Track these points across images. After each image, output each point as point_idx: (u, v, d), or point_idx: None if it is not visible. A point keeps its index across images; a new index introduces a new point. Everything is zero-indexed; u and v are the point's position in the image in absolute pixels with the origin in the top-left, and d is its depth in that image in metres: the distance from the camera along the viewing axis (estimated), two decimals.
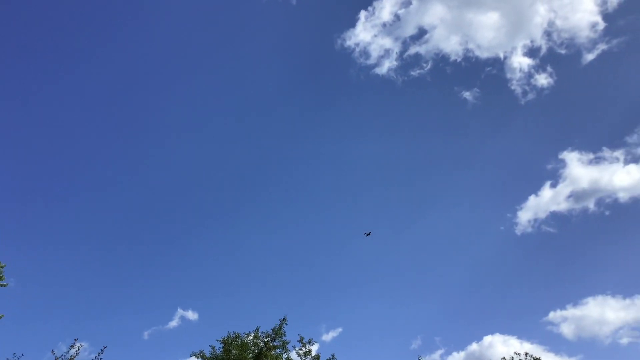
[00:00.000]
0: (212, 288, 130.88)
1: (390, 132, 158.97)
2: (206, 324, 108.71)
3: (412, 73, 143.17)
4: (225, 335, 40.47)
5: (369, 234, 77.54)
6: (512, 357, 42.97)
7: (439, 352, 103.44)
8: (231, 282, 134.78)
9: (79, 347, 34.21)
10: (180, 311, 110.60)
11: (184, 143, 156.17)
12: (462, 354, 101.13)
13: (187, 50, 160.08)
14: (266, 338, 40.53)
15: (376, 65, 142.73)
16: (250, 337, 40.81)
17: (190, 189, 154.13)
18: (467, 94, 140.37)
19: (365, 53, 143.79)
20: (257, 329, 41.11)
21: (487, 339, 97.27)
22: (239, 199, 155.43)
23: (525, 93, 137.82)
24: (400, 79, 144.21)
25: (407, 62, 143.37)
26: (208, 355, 40.03)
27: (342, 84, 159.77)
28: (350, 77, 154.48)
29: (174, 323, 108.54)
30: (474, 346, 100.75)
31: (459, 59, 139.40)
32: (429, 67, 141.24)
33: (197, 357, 40.02)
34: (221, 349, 39.95)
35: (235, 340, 40.16)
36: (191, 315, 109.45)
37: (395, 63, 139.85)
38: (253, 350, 39.94)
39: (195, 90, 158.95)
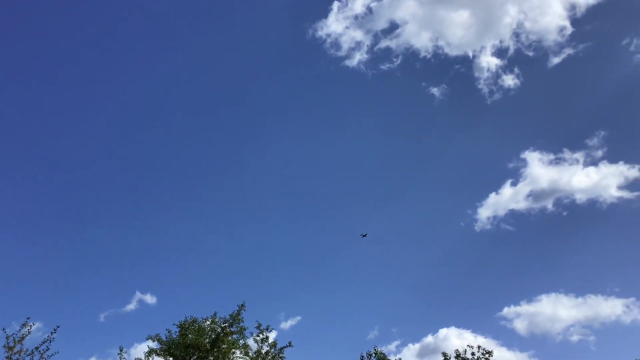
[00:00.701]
0: (172, 273, 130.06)
1: (357, 126, 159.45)
2: (165, 308, 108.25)
3: (382, 67, 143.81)
4: (182, 320, 40.29)
5: (364, 236, 79.27)
6: (465, 349, 43.96)
7: (395, 343, 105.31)
8: (192, 267, 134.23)
9: (30, 326, 33.66)
10: (138, 294, 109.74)
11: (146, 129, 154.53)
12: (417, 345, 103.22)
13: (146, 37, 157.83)
14: (224, 324, 40.32)
15: (347, 57, 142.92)
16: (208, 322, 40.59)
17: (153, 173, 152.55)
18: (434, 90, 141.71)
19: (337, 44, 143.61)
20: (215, 314, 40.85)
21: (443, 331, 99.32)
22: (200, 186, 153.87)
23: (492, 93, 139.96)
24: (370, 72, 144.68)
25: (378, 56, 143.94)
26: (164, 339, 39.79)
27: (312, 74, 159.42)
28: (321, 68, 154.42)
29: (131, 306, 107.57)
30: (429, 338, 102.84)
31: (428, 56, 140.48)
32: (399, 61, 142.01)
33: (153, 341, 39.73)
34: (178, 333, 39.72)
35: (192, 325, 39.92)
36: (150, 299, 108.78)
37: (365, 56, 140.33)
38: (210, 335, 39.79)
39: (155, 80, 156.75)
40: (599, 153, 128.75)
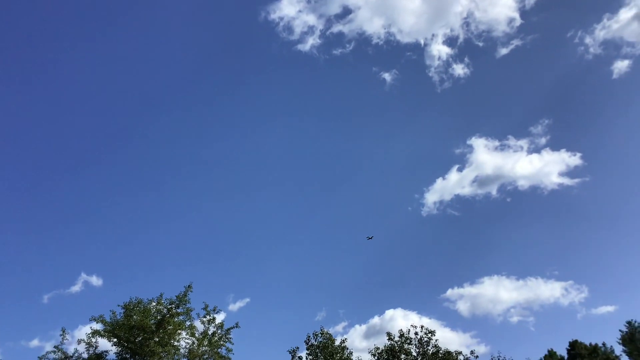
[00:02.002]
0: (119, 254, 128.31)
1: (308, 110, 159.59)
2: (111, 290, 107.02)
3: (335, 52, 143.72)
4: (127, 301, 40.19)
5: (371, 238, 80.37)
6: (409, 329, 45.09)
7: (342, 324, 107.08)
8: (140, 249, 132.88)
9: None
10: (83, 275, 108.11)
11: (87, 113, 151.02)
12: (363, 326, 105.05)
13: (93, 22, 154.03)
14: (170, 305, 40.41)
15: (299, 41, 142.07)
16: (154, 304, 40.58)
17: (99, 155, 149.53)
18: (386, 75, 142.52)
19: (289, 28, 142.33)
20: (161, 295, 40.92)
21: (389, 312, 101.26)
22: (148, 169, 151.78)
23: (442, 81, 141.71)
24: (323, 57, 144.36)
25: (330, 41, 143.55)
26: (108, 320, 39.63)
27: (264, 58, 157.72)
28: (273, 52, 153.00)
29: (76, 288, 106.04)
30: (375, 319, 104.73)
31: (380, 42, 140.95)
32: (351, 47, 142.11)
33: (97, 322, 39.58)
34: (122, 315, 39.64)
35: (138, 306, 39.90)
36: (95, 280, 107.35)
37: (318, 41, 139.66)
38: (155, 317, 39.83)
39: (102, 58, 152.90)
40: (543, 140, 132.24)
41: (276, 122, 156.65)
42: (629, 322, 68.49)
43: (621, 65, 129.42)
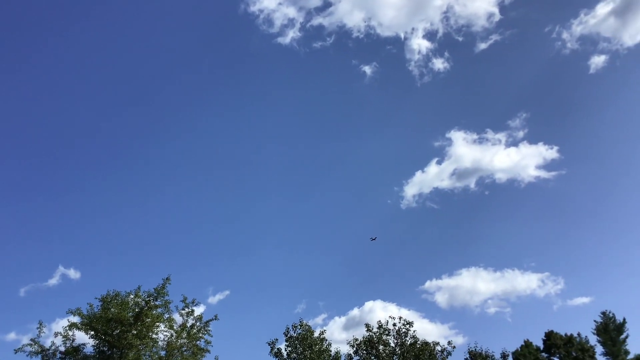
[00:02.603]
0: (96, 247, 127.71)
1: (288, 103, 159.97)
2: (89, 283, 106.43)
3: (315, 45, 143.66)
4: (105, 294, 39.87)
5: (374, 239, 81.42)
6: (387, 321, 45.55)
7: (322, 316, 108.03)
8: (117, 242, 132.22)
9: None
10: (61, 269, 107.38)
11: (69, 99, 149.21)
12: (343, 318, 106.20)
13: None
14: (148, 297, 40.17)
15: (279, 34, 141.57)
16: (132, 296, 40.29)
17: (79, 144, 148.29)
18: (366, 68, 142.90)
19: (269, 21, 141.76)
20: (139, 287, 40.55)
21: (369, 304, 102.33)
22: (126, 159, 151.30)
23: (422, 75, 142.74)
24: (303, 50, 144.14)
25: (310, 34, 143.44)
26: (85, 313, 39.27)
27: (244, 51, 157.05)
28: (253, 44, 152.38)
29: (53, 281, 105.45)
30: (355, 311, 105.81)
31: (361, 35, 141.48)
32: (331, 40, 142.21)
33: (74, 315, 39.18)
34: (100, 307, 39.33)
35: (115, 299, 39.60)
36: (73, 274, 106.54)
37: (298, 34, 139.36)
38: (133, 309, 39.56)
39: (83, 50, 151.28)
40: (520, 134, 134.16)
41: (256, 115, 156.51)
42: (603, 313, 69.86)
43: (598, 61, 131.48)
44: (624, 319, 68.71)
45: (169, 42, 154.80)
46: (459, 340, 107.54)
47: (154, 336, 39.99)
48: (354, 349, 44.86)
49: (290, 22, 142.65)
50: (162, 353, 40.18)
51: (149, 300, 40.01)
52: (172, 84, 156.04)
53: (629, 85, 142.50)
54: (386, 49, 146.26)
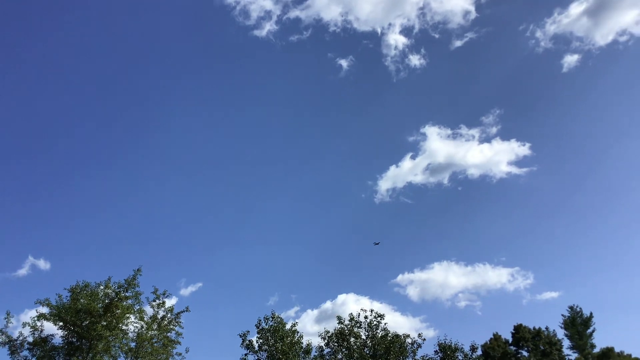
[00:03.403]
0: (67, 238, 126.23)
1: (264, 96, 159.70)
2: (59, 274, 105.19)
3: (292, 38, 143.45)
4: (74, 284, 39.46)
5: (377, 244, 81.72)
6: (359, 313, 45.92)
7: (295, 308, 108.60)
8: (89, 233, 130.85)
9: None
10: (31, 259, 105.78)
11: (35, 93, 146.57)
12: (315, 311, 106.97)
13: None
14: (118, 288, 39.84)
15: (255, 27, 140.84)
16: (102, 287, 39.93)
17: (49, 134, 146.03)
18: (342, 61, 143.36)
19: (245, 12, 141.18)
20: (109, 278, 40.16)
21: (341, 297, 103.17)
22: (99, 149, 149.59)
23: (398, 71, 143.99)
24: (279, 43, 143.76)
25: (287, 27, 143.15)
26: (54, 304, 38.83)
27: (219, 43, 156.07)
28: (228, 37, 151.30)
29: (23, 271, 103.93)
30: (328, 304, 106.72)
31: (337, 30, 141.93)
32: (308, 34, 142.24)
33: (43, 306, 38.68)
34: (69, 298, 38.93)
35: (85, 290, 39.23)
36: (43, 264, 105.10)
37: (275, 27, 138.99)
38: (103, 300, 39.23)
39: (57, 44, 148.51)
40: (493, 130, 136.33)
41: (230, 108, 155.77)
42: (571, 307, 71.44)
43: (570, 60, 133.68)
44: (591, 314, 70.45)
45: (143, 33, 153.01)
46: (430, 333, 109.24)
47: (124, 327, 39.68)
48: (326, 341, 45.14)
49: (267, 15, 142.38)
50: (132, 344, 39.94)
51: (119, 291, 39.66)
52: (145, 76, 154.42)
53: (600, 84, 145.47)
54: (363, 43, 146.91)
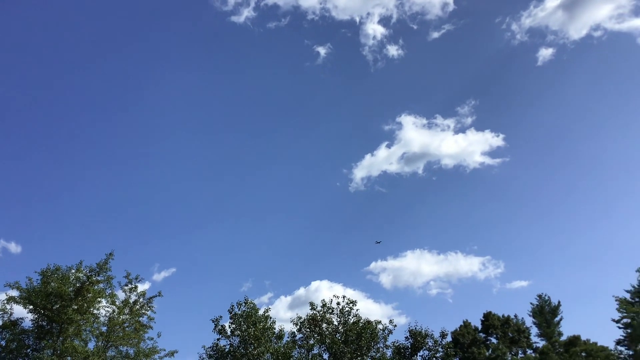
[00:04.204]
0: (39, 221, 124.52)
1: (241, 83, 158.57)
2: (30, 258, 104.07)
3: (269, 25, 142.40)
4: (45, 268, 39.10)
5: (379, 243, 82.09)
6: (331, 299, 46.31)
7: (268, 295, 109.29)
8: (61, 216, 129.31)
9: None
10: (1, 242, 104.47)
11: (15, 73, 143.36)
12: (289, 297, 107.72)
13: None
14: (90, 272, 39.62)
15: (233, 13, 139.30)
16: (73, 271, 39.66)
17: (15, 115, 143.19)
18: (320, 48, 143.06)
19: None
20: (81, 262, 39.92)
21: (315, 284, 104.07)
22: (68, 133, 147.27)
23: (376, 61, 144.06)
24: (257, 30, 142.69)
25: (265, 13, 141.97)
26: (24, 287, 38.45)
27: (195, 29, 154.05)
28: (205, 22, 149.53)
29: None
30: (301, 291, 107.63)
31: (316, 18, 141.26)
32: (286, 21, 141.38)
33: (12, 289, 38.36)
34: (39, 281, 38.59)
35: (56, 273, 38.92)
36: (14, 247, 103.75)
37: (253, 13, 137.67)
38: (74, 284, 39.01)
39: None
40: (468, 121, 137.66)
41: (205, 93, 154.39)
42: (539, 296, 72.90)
43: (545, 53, 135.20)
44: (559, 302, 71.96)
45: (118, 17, 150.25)
46: (402, 320, 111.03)
47: (95, 311, 39.64)
48: (298, 326, 45.45)
49: (245, 1, 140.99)
50: (104, 329, 39.91)
51: (90, 275, 39.50)
52: (120, 61, 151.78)
53: (574, 79, 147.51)
54: (341, 32, 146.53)
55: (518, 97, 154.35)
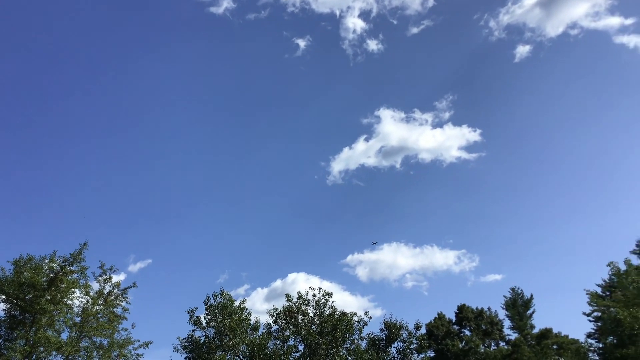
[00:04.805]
0: (11, 210, 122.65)
1: (218, 74, 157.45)
2: (2, 248, 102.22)
3: (249, 17, 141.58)
4: (17, 257, 38.58)
5: (375, 243, 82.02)
6: (307, 291, 46.58)
7: (245, 286, 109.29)
8: (35, 205, 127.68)
9: None
10: None
11: None
12: (265, 289, 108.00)
13: None
14: (63, 262, 39.21)
15: (212, 3, 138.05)
16: (46, 261, 39.22)
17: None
18: (299, 41, 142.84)
19: None
20: (54, 252, 39.45)
21: (292, 276, 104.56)
22: (47, 126, 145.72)
23: (356, 55, 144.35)
24: (237, 21, 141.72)
25: (245, 5, 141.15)
26: None
27: (174, 19, 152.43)
28: (184, 13, 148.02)
29: None
30: (278, 283, 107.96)
31: (296, 10, 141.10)
32: (266, 13, 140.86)
33: None
34: (12, 271, 38.10)
35: (29, 263, 38.45)
36: None
37: (232, 4, 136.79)
38: (47, 274, 38.59)
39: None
40: (446, 115, 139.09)
41: (183, 85, 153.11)
42: (512, 289, 73.93)
43: (522, 50, 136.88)
44: (532, 296, 73.04)
45: (94, 7, 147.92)
46: (378, 312, 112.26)
47: (68, 302, 39.21)
48: (274, 318, 45.65)
49: None
50: (77, 319, 39.54)
51: (64, 265, 39.09)
52: (98, 52, 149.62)
53: (550, 76, 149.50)
54: (321, 25, 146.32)
55: (495, 93, 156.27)
